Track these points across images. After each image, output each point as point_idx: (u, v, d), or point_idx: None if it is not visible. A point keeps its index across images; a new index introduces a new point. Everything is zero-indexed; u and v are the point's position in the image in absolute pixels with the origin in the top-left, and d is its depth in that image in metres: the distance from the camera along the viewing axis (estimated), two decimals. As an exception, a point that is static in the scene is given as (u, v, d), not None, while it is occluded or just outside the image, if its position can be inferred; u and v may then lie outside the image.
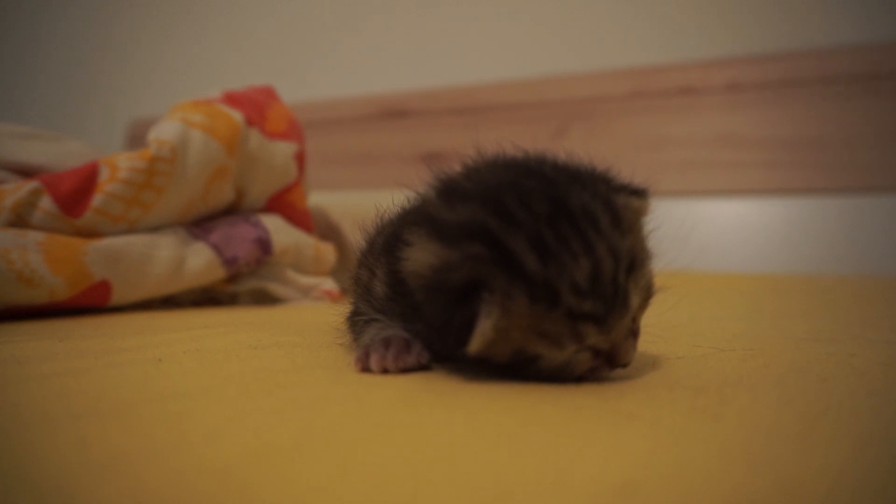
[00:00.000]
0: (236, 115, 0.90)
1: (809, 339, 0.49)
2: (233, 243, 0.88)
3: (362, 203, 1.32)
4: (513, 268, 0.31)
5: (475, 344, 0.31)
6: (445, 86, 1.80)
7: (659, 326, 0.56)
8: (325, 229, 1.14)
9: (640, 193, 0.36)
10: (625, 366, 0.35)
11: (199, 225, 0.88)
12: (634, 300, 0.33)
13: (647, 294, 0.35)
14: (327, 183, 1.72)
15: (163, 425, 0.25)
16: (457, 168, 0.39)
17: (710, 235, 1.52)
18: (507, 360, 0.33)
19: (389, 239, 0.42)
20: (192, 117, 0.85)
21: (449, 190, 0.36)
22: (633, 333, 0.35)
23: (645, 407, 0.29)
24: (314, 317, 0.75)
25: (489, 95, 1.76)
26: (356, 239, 1.24)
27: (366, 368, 0.37)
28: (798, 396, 0.31)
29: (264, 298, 0.94)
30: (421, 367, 0.38)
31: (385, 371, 0.36)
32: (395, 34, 1.88)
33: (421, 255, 0.34)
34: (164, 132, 0.81)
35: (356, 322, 0.43)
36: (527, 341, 0.32)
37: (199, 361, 0.39)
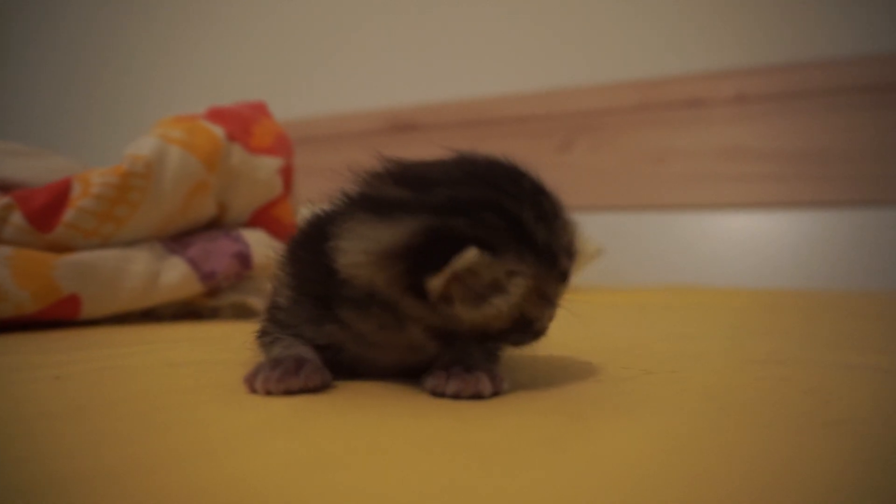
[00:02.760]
0: (217, 131, 0.91)
1: (759, 361, 0.47)
2: (211, 258, 0.88)
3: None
4: (524, 235, 0.34)
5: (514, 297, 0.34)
6: (452, 99, 1.80)
7: (611, 346, 0.55)
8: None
9: None
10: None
11: (178, 240, 0.89)
12: None
13: None
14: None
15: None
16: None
17: (717, 249, 1.48)
18: (507, 326, 0.35)
19: (296, 242, 0.43)
20: (172, 133, 0.86)
21: (398, 178, 0.37)
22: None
23: (500, 434, 0.27)
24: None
25: (495, 109, 1.75)
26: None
27: (252, 389, 0.36)
28: (672, 427, 0.30)
29: (246, 312, 0.94)
30: (318, 388, 0.37)
31: (268, 392, 0.35)
32: (402, 48, 1.89)
33: (385, 231, 0.34)
34: (140, 148, 0.82)
35: (262, 342, 0.42)
36: (530, 305, 0.35)
37: (100, 379, 0.38)
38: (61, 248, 0.76)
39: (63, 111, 2.54)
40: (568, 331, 0.43)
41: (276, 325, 0.42)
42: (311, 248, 0.39)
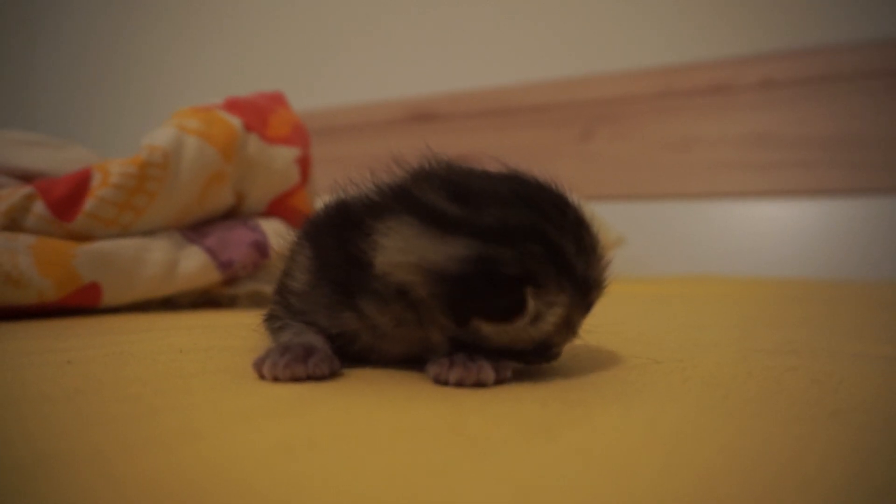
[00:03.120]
0: (234, 121, 0.92)
1: (767, 351, 0.46)
2: (229, 247, 0.89)
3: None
4: (565, 267, 0.35)
5: (524, 322, 0.34)
6: (473, 88, 1.79)
7: (622, 336, 0.54)
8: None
9: None
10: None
11: (196, 229, 0.90)
12: None
13: None
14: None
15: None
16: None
17: (742, 239, 1.45)
18: (529, 348, 0.36)
19: (317, 226, 0.42)
20: (189, 123, 0.87)
21: (450, 189, 0.36)
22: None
23: (492, 425, 0.27)
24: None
25: (516, 97, 1.74)
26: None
27: (261, 374, 0.36)
28: (670, 415, 0.29)
29: (263, 301, 0.95)
30: (325, 376, 0.37)
31: (276, 378, 0.35)
32: (423, 38, 1.88)
33: (436, 246, 0.34)
34: (158, 138, 0.83)
35: (270, 327, 0.42)
36: (557, 331, 0.36)
37: (107, 365, 0.39)
38: (82, 237, 0.77)
39: (73, 103, 2.58)
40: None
41: (286, 309, 0.42)
42: (336, 233, 0.39)
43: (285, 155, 0.99)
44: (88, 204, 0.77)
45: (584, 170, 1.63)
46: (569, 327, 0.37)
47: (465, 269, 0.33)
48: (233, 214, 0.97)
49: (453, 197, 0.36)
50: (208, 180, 0.88)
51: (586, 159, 1.65)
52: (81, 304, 0.75)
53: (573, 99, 1.66)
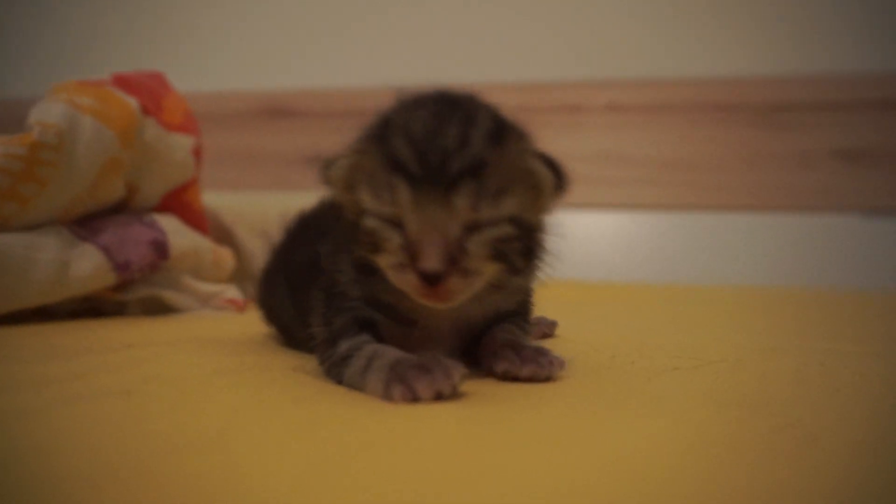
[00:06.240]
0: (132, 102, 0.80)
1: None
2: (126, 246, 0.77)
3: (256, 205, 1.23)
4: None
5: None
6: (334, 87, 1.74)
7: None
8: (219, 232, 1.05)
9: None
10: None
11: (84, 224, 0.77)
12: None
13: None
14: (206, 182, 1.60)
15: None
16: None
17: (591, 246, 1.59)
18: None
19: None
20: (81, 100, 0.74)
21: None
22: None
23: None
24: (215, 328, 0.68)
25: (376, 100, 1.72)
26: (249, 243, 1.15)
27: (414, 398, 0.34)
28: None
29: (157, 308, 0.84)
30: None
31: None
32: (283, 26, 1.79)
33: None
34: (49, 114, 0.69)
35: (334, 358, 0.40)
36: None
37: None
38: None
39: None
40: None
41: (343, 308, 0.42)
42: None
43: (183, 144, 0.88)
44: (-37, 190, 0.62)
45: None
46: None
47: None
48: (121, 209, 0.84)
49: None
50: (104, 168, 0.75)
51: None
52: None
53: (437, 106, 1.70)
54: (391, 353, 0.37)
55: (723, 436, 0.28)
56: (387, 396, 0.34)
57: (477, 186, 0.36)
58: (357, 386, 0.37)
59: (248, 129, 1.79)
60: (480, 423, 0.29)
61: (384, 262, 0.38)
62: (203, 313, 0.85)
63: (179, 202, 0.90)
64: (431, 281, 0.35)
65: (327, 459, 0.23)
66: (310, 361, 0.43)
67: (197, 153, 0.92)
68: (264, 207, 1.18)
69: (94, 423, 0.27)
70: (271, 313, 0.59)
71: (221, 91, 1.77)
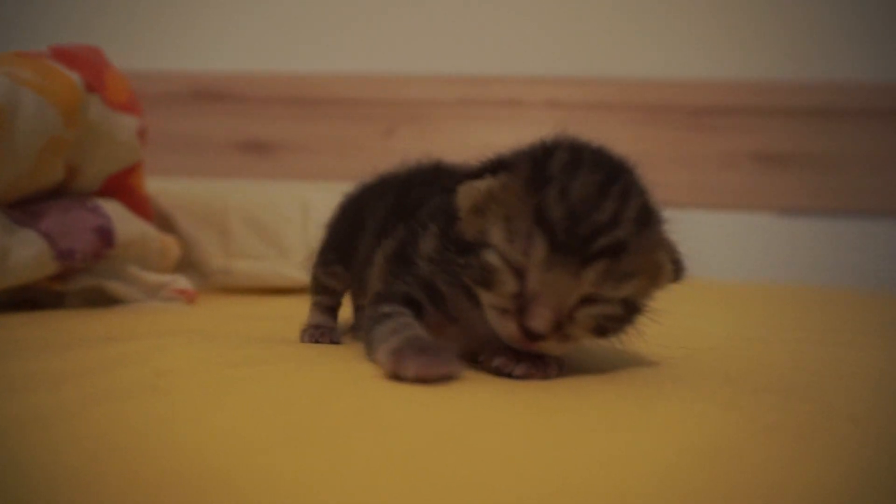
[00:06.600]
0: (74, 77, 0.74)
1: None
2: (70, 233, 0.72)
3: (195, 192, 1.17)
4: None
5: None
6: (272, 71, 1.68)
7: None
8: (158, 219, 0.99)
9: None
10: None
11: (22, 208, 0.71)
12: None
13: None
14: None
15: None
16: None
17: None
18: None
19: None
20: (21, 73, 0.68)
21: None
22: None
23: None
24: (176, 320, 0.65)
25: (320, 88, 1.68)
26: (194, 231, 1.10)
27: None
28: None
29: (99, 299, 0.78)
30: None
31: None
32: (216, 4, 1.71)
33: None
34: (-13, 88, 0.63)
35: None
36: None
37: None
38: None
39: None
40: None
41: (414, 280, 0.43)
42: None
43: (129, 125, 0.83)
44: None
45: (386, 165, 1.66)
46: None
47: None
48: (59, 193, 0.78)
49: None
50: (45, 147, 0.69)
51: (389, 155, 1.67)
52: None
53: (377, 96, 1.67)
54: (418, 331, 0.38)
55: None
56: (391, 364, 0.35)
57: (610, 266, 0.36)
58: (377, 341, 0.38)
59: (179, 113, 1.70)
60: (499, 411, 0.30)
61: (489, 300, 0.38)
62: (150, 305, 0.80)
63: (123, 187, 0.85)
64: (532, 337, 0.36)
65: (392, 457, 0.23)
66: (317, 354, 0.41)
67: (142, 135, 0.86)
68: (208, 194, 1.13)
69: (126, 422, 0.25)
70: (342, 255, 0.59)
71: (150, 71, 1.67)
